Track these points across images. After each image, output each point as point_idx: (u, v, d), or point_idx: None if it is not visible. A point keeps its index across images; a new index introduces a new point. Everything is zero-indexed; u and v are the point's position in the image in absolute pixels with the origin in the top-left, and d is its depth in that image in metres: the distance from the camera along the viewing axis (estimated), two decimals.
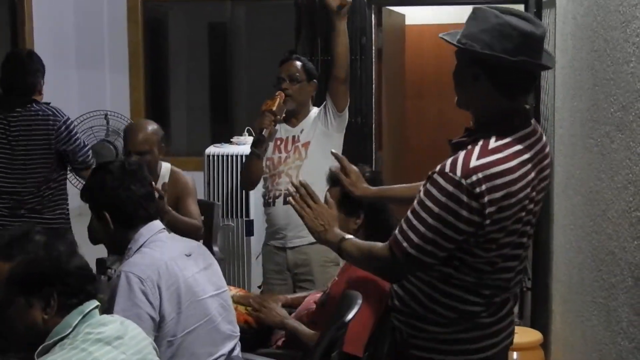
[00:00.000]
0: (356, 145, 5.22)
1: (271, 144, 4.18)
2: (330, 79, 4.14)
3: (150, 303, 2.64)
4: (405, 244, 2.30)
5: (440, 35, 2.52)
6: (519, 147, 2.29)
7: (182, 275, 2.76)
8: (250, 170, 4.22)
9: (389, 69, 6.13)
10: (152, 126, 4.19)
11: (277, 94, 4.11)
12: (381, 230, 3.44)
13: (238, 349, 3.00)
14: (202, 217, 5.15)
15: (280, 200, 4.13)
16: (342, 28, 4.00)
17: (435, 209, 2.24)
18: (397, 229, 2.35)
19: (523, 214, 2.33)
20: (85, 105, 6.62)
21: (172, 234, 3.00)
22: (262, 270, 4.48)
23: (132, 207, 2.82)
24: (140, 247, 2.77)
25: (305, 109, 4.26)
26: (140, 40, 8.39)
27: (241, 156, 5.68)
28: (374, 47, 5.55)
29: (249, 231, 5.86)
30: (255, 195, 5.58)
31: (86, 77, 7.81)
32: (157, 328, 2.68)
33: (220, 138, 5.95)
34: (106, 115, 6.48)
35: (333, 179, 3.47)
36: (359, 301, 3.03)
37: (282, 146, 4.19)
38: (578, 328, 3.66)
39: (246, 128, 6.29)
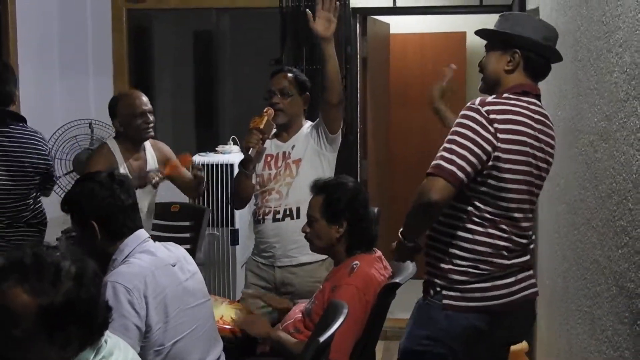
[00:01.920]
0: (341, 153, 5.21)
1: (261, 160, 4.10)
2: (323, 104, 4.01)
3: (137, 313, 2.63)
4: (450, 166, 2.66)
5: (480, 30, 3.06)
6: (525, 104, 2.82)
7: (169, 284, 2.76)
8: (239, 189, 4.15)
9: (374, 77, 6.14)
10: None
11: (265, 110, 4.01)
12: (363, 239, 3.47)
13: (223, 358, 3.00)
14: (190, 223, 5.18)
15: (269, 218, 4.03)
16: (331, 53, 3.88)
17: (462, 130, 2.72)
18: (434, 165, 2.71)
19: (531, 159, 2.81)
20: (69, 114, 6.57)
21: (157, 243, 2.98)
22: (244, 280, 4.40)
23: (122, 217, 2.82)
24: (127, 256, 2.76)
25: (297, 123, 4.13)
26: (125, 49, 8.36)
27: (226, 165, 5.69)
28: (358, 56, 5.58)
29: (234, 240, 5.85)
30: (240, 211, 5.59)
31: (70, 86, 7.78)
32: (144, 338, 2.67)
33: (206, 146, 5.93)
34: (90, 124, 6.44)
35: (316, 188, 3.49)
36: (345, 310, 3.03)
37: (272, 162, 4.08)
38: (563, 336, 3.67)
39: (231, 137, 6.28)
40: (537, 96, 2.93)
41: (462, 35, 7.12)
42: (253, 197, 4.16)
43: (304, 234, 3.77)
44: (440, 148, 2.73)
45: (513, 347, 4.23)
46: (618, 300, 2.60)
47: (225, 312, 3.56)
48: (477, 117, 2.72)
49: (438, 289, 2.85)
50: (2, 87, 4.45)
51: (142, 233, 2.88)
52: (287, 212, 4.00)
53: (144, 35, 8.62)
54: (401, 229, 2.91)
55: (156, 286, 2.71)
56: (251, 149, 3.93)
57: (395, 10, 5.55)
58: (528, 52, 2.88)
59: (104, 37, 8.34)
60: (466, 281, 2.81)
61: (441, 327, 2.85)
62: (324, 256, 3.96)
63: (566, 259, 3.56)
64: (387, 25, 6.77)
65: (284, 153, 4.07)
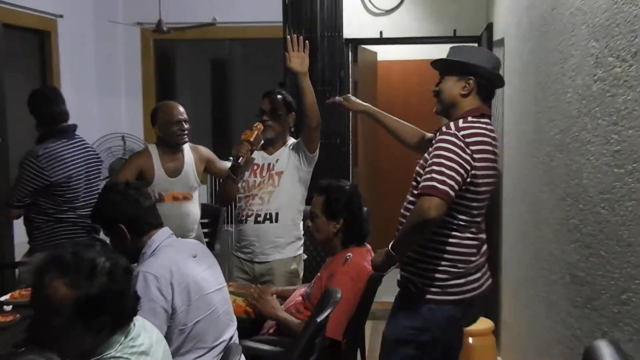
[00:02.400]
0: (336, 162, 5.22)
1: (249, 168, 4.07)
2: (303, 128, 3.99)
3: (164, 298, 2.64)
4: (442, 187, 2.63)
5: (437, 60, 3.00)
6: (485, 126, 2.82)
7: (191, 273, 2.76)
8: (225, 190, 4.11)
9: (364, 97, 6.06)
10: None
11: (255, 125, 4.01)
12: (356, 233, 3.49)
13: (236, 335, 3.00)
14: (208, 220, 5.17)
15: (251, 219, 4.01)
16: (307, 85, 3.81)
17: (446, 154, 2.69)
18: (424, 182, 2.69)
19: (495, 172, 2.86)
20: (105, 129, 6.61)
21: (180, 239, 2.99)
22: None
23: (144, 217, 2.83)
24: (154, 250, 2.77)
25: (282, 138, 4.11)
26: (152, 73, 8.39)
27: None
28: (350, 79, 5.56)
29: None
30: None
31: (105, 105, 7.81)
32: (170, 319, 2.67)
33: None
34: (123, 137, 6.46)
35: (319, 189, 3.51)
36: (339, 295, 3.04)
37: (258, 171, 4.06)
38: (524, 317, 3.67)
39: None
40: (490, 117, 2.95)
41: None
42: (237, 198, 4.13)
43: (281, 236, 3.92)
44: (428, 169, 2.70)
45: (481, 326, 4.24)
46: (571, 287, 2.60)
47: (240, 298, 3.56)
48: (457, 141, 2.71)
49: (420, 285, 2.85)
50: (61, 107, 4.45)
51: (166, 230, 2.88)
52: (268, 216, 3.99)
53: (168, 62, 8.63)
54: (392, 244, 2.85)
55: (180, 275, 2.71)
56: (241, 157, 3.92)
57: (381, 41, 5.53)
58: (480, 79, 2.89)
59: (134, 63, 8.35)
60: (446, 279, 2.83)
61: (425, 318, 2.86)
62: (297, 253, 4.09)
63: (527, 252, 3.56)
64: (375, 53, 6.77)
65: (269, 164, 4.06)
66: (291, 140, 4.14)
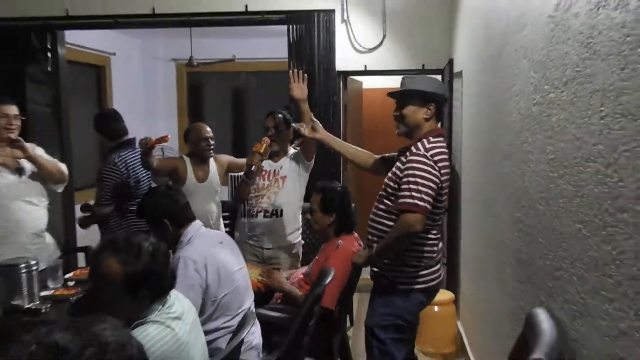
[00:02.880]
0: (330, 167, 5.21)
1: (259, 173, 4.10)
2: (304, 142, 4.02)
3: (200, 276, 2.68)
4: (422, 203, 2.61)
5: (395, 91, 3.01)
6: (443, 144, 2.80)
7: (219, 257, 2.78)
8: (240, 192, 4.11)
9: (352, 117, 6.14)
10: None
11: (263, 139, 4.03)
12: (346, 224, 3.49)
13: (253, 305, 3.00)
14: (229, 214, 5.16)
15: (261, 214, 4.05)
16: (305, 109, 3.76)
17: (421, 173, 2.65)
18: (404, 199, 2.64)
19: (448, 183, 2.83)
20: None
21: (208, 229, 3.00)
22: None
23: (182, 212, 2.84)
24: (190, 239, 2.78)
25: (284, 149, 4.17)
26: (185, 99, 8.41)
27: None
28: (341, 103, 5.56)
29: None
30: None
31: (149, 124, 7.83)
32: (204, 293, 2.70)
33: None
34: (162, 148, 6.46)
35: (317, 189, 3.50)
36: (332, 273, 3.04)
37: (266, 176, 4.10)
38: (479, 291, 3.67)
39: None
40: (443, 135, 2.95)
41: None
42: (248, 197, 4.15)
43: (284, 227, 3.95)
44: (404, 186, 2.65)
45: (444, 297, 4.24)
46: (516, 268, 2.59)
47: (254, 275, 3.56)
48: (427, 161, 2.67)
49: (391, 278, 2.84)
50: (122, 123, 4.54)
51: (198, 223, 2.91)
52: (274, 212, 4.03)
53: (198, 90, 8.67)
54: (377, 251, 2.79)
55: (212, 259, 2.74)
56: (253, 165, 3.93)
57: (366, 72, 5.53)
58: (438, 105, 2.89)
59: (170, 91, 8.39)
60: (414, 271, 2.82)
61: (399, 305, 2.85)
62: (297, 240, 4.13)
63: (481, 240, 3.55)
64: (361, 82, 6.78)
65: (274, 170, 4.11)
66: (292, 151, 4.17)
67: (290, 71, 3.91)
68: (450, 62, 4.99)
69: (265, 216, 4.04)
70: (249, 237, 4.15)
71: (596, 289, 1.64)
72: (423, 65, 5.35)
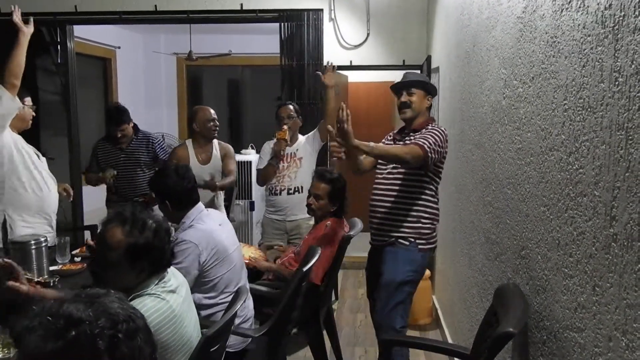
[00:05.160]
0: (321, 156, 5.19)
1: None
2: (322, 124, 4.13)
3: (199, 255, 2.65)
4: (429, 149, 2.74)
5: (407, 81, 3.05)
6: None
7: (219, 239, 2.75)
8: (268, 174, 4.19)
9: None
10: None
11: (284, 127, 4.11)
12: (338, 211, 3.45)
13: (247, 281, 2.99)
14: (226, 196, 5.14)
15: (285, 192, 4.16)
16: (331, 95, 4.04)
17: (433, 135, 2.82)
18: (418, 140, 2.79)
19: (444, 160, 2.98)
20: (150, 129, 6.54)
21: (210, 211, 2.94)
22: (261, 232, 4.45)
23: (185, 196, 2.79)
24: (192, 222, 2.74)
25: (296, 135, 4.25)
26: (185, 91, 8.35)
27: (247, 161, 5.68)
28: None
29: (252, 207, 5.84)
30: (255, 187, 5.56)
31: (150, 114, 7.77)
32: (205, 271, 2.69)
33: (236, 150, 5.92)
34: (163, 135, 6.41)
35: (325, 179, 3.43)
36: (319, 252, 3.03)
37: (285, 159, 4.18)
38: (452, 268, 3.69)
39: (250, 144, 6.24)
40: None
41: (392, 84, 7.12)
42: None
43: (304, 202, 3.80)
44: (422, 138, 2.79)
45: None
46: (485, 246, 2.61)
47: (247, 253, 3.55)
48: (443, 131, 2.89)
49: (413, 239, 2.87)
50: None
51: (200, 205, 2.85)
52: (295, 189, 4.17)
53: (197, 82, 8.61)
54: (373, 146, 2.69)
55: (213, 240, 2.71)
56: (281, 150, 4.10)
57: (351, 67, 5.51)
58: (433, 97, 3.05)
59: (171, 83, 8.32)
60: (429, 233, 2.92)
61: (419, 263, 2.93)
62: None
63: (455, 221, 3.57)
64: (347, 76, 6.72)
65: (292, 153, 4.21)
66: (302, 136, 4.30)
67: (327, 62, 4.21)
68: (428, 59, 4.97)
69: (288, 193, 4.16)
70: (272, 212, 4.25)
71: (558, 266, 1.65)
72: (404, 61, 5.34)
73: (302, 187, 4.13)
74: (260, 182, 4.35)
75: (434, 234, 2.97)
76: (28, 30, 3.38)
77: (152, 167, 4.47)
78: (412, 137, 2.93)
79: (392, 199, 2.95)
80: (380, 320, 2.91)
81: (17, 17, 3.40)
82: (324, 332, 3.49)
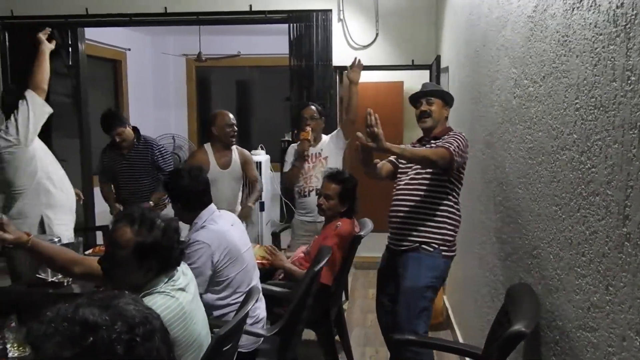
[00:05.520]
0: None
1: None
2: (345, 120, 4.16)
3: (212, 255, 2.65)
4: (455, 153, 2.72)
5: (427, 90, 3.05)
6: None
7: (231, 239, 2.75)
8: (293, 175, 4.17)
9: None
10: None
11: (307, 129, 4.10)
12: (351, 212, 3.44)
13: (259, 281, 2.99)
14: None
15: (313, 192, 4.09)
16: (356, 90, 4.08)
17: (457, 140, 2.79)
18: (444, 144, 2.78)
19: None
20: (159, 131, 6.59)
21: (222, 212, 2.93)
22: (291, 233, 4.37)
23: (197, 198, 2.79)
24: (204, 222, 2.75)
25: (320, 135, 4.22)
26: (194, 91, 8.37)
27: (257, 162, 5.59)
28: (338, 96, 5.54)
29: (262, 208, 5.84)
30: (265, 188, 5.55)
31: (160, 114, 7.79)
32: (218, 271, 2.69)
33: None
34: (173, 136, 6.45)
35: (336, 180, 3.42)
36: (330, 252, 3.03)
37: (310, 159, 4.15)
38: (462, 268, 3.67)
39: (259, 145, 6.25)
40: None
41: (401, 84, 7.10)
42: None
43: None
44: (446, 143, 2.78)
45: None
46: (496, 246, 2.60)
47: (258, 253, 3.56)
48: (464, 137, 2.85)
49: (435, 246, 2.84)
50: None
51: (213, 207, 2.85)
52: None
53: (206, 83, 8.63)
54: (403, 148, 2.74)
55: (225, 241, 2.72)
56: (305, 151, 4.09)
57: None
58: (450, 107, 3.07)
59: (180, 84, 8.34)
60: (451, 240, 2.87)
61: (442, 269, 2.88)
62: None
63: (465, 221, 3.54)
64: None
65: (317, 153, 4.19)
66: (325, 136, 4.27)
67: (355, 57, 4.18)
68: (438, 58, 4.97)
69: (317, 194, 3.99)
70: (302, 214, 4.20)
71: (570, 265, 1.65)
72: (413, 61, 5.33)
73: None
74: (287, 184, 4.34)
75: (455, 241, 2.93)
76: (49, 47, 3.61)
77: (154, 174, 4.48)
78: (432, 145, 2.91)
79: (416, 204, 2.90)
80: (403, 325, 2.84)
81: (43, 35, 3.60)
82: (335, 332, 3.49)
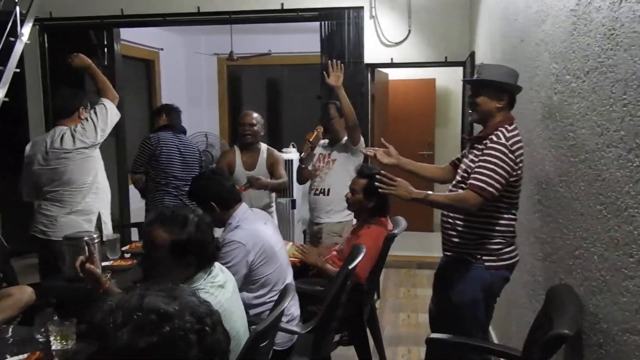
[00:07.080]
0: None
1: (316, 156, 4.14)
2: (345, 126, 4.01)
3: (247, 255, 2.65)
4: (490, 189, 2.42)
5: (470, 79, 2.78)
6: (517, 132, 2.51)
7: (265, 238, 2.75)
8: (300, 174, 4.20)
9: (379, 107, 6.07)
10: (258, 114, 4.30)
11: (317, 128, 4.06)
12: (382, 210, 3.39)
13: (292, 279, 2.98)
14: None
15: (313, 192, 4.12)
16: (343, 94, 3.88)
17: (497, 161, 2.43)
18: (474, 181, 2.45)
19: (523, 166, 2.53)
20: (192, 129, 6.63)
21: (255, 210, 2.94)
22: (299, 228, 4.42)
23: (227, 194, 2.80)
24: (238, 222, 2.75)
25: (338, 135, 4.10)
26: (225, 90, 8.43)
27: (289, 160, 5.56)
28: (369, 93, 5.50)
29: (293, 205, 5.85)
30: (296, 185, 5.55)
31: (193, 113, 7.85)
32: (253, 270, 2.69)
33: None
34: (206, 134, 6.49)
35: (363, 174, 3.39)
36: (364, 251, 3.00)
37: (322, 158, 4.13)
38: None
39: (291, 143, 6.26)
40: (513, 121, 2.62)
41: (433, 81, 7.03)
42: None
43: (331, 204, 3.94)
44: (479, 169, 2.47)
45: None
46: (535, 246, 2.54)
47: (290, 251, 3.56)
48: (506, 150, 2.44)
49: (478, 256, 2.61)
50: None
51: (245, 205, 2.85)
52: (321, 191, 4.09)
53: (237, 81, 8.68)
54: (433, 198, 2.60)
55: (259, 239, 2.71)
56: (303, 152, 4.05)
57: (392, 65, 5.46)
58: (512, 95, 2.61)
59: (212, 83, 8.41)
60: (499, 249, 2.59)
61: (488, 280, 2.62)
62: (345, 219, 4.04)
63: None
64: (387, 74, 6.69)
65: (328, 154, 4.13)
66: (345, 136, 4.14)
67: (330, 61, 3.98)
68: (472, 55, 4.88)
69: (315, 194, 4.10)
70: (310, 213, 4.23)
71: (616, 267, 1.59)
72: (446, 58, 5.26)
73: (328, 190, 4.02)
74: (299, 181, 4.36)
75: (508, 249, 2.64)
76: (87, 61, 3.71)
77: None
78: (477, 150, 2.63)
79: (451, 213, 2.72)
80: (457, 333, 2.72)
81: (76, 59, 3.70)
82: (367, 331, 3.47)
